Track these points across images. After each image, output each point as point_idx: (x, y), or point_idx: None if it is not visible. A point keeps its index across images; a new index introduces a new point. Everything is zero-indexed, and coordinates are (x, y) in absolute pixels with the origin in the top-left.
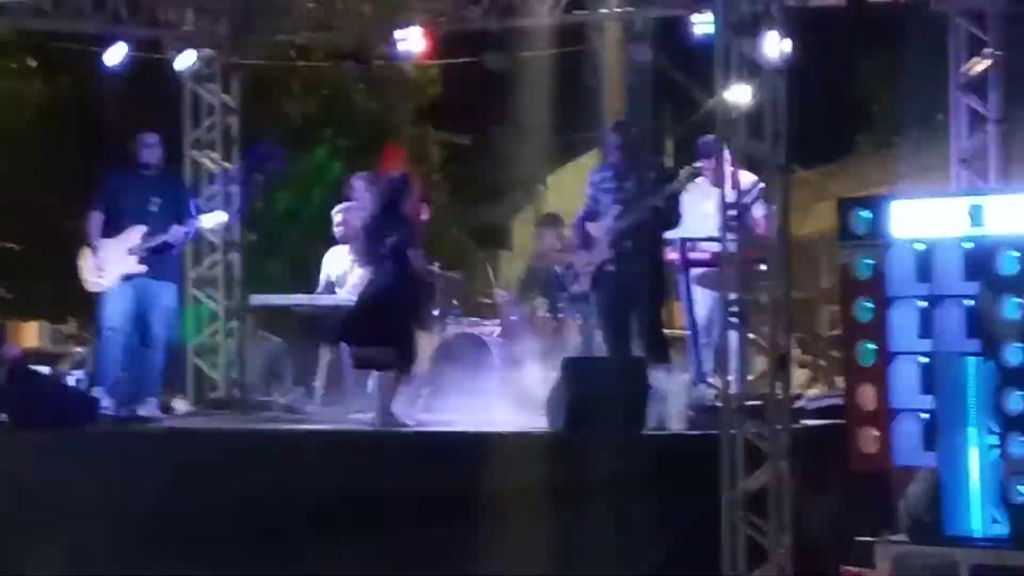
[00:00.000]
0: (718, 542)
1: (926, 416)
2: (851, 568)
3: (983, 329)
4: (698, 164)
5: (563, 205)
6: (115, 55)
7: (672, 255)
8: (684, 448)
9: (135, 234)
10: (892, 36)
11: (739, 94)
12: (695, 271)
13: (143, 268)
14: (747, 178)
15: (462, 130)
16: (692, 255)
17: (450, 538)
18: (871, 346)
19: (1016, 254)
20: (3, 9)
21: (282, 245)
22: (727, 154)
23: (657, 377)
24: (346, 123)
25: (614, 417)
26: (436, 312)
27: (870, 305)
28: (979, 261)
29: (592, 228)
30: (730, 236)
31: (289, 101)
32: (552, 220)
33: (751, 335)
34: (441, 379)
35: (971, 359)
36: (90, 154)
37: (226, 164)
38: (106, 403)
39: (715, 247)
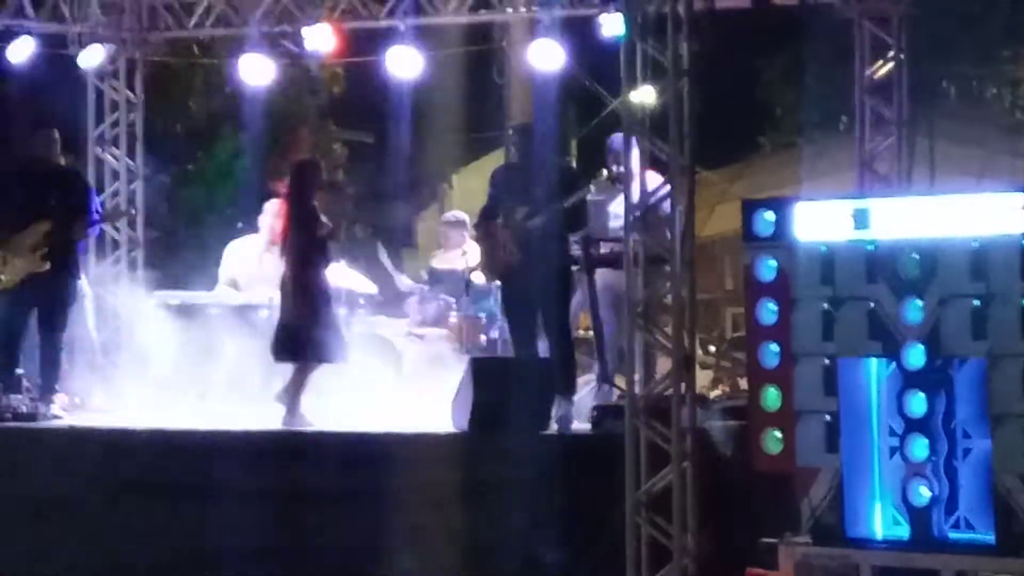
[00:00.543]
0: (622, 543)
1: (829, 418)
2: (755, 569)
3: (885, 331)
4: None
5: (468, 204)
6: (20, 51)
7: (577, 255)
8: (588, 449)
9: (38, 230)
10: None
11: (644, 95)
12: (600, 271)
13: (46, 265)
14: (653, 179)
15: (366, 128)
16: (596, 255)
17: (355, 538)
18: (775, 347)
19: (917, 256)
20: None
21: (187, 242)
22: (635, 154)
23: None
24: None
25: (519, 418)
26: (343, 311)
27: (774, 307)
28: (881, 263)
29: (495, 228)
30: (635, 236)
31: (193, 98)
32: (457, 222)
33: (655, 336)
34: (347, 378)
35: (873, 361)
36: None
37: (129, 161)
38: (3, 400)
39: (620, 247)
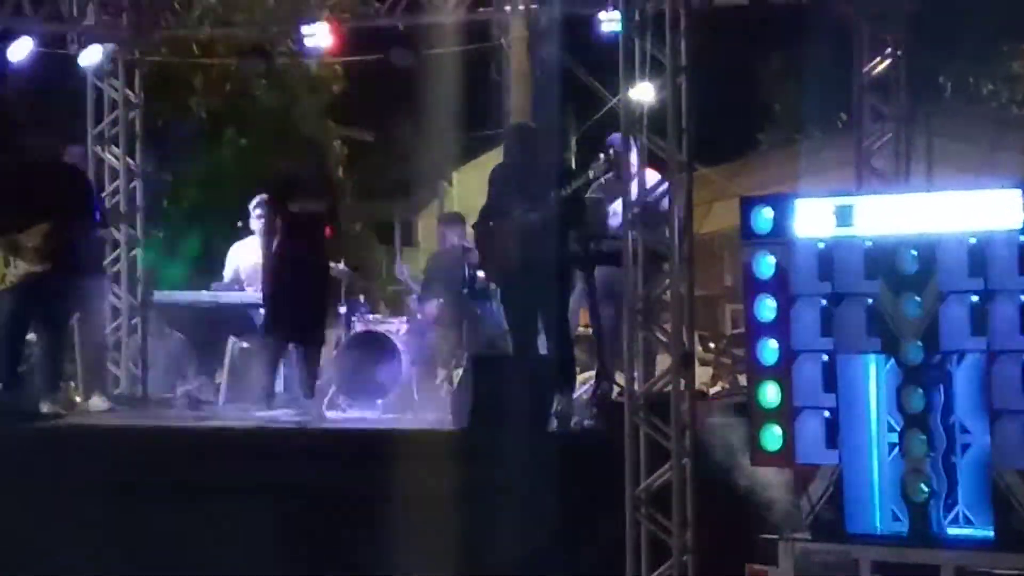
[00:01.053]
0: (622, 540)
1: (828, 414)
2: (754, 566)
3: (884, 327)
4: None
5: (468, 202)
6: (19, 50)
7: (576, 252)
8: (588, 445)
9: (38, 231)
10: (795, 36)
11: (643, 92)
12: (599, 269)
13: (47, 264)
14: (652, 176)
15: (366, 127)
16: (596, 252)
17: (354, 536)
18: (773, 344)
19: (916, 253)
20: None
21: (187, 241)
22: (634, 152)
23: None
24: (249, 119)
25: (519, 415)
26: (342, 308)
27: (772, 303)
28: (880, 260)
29: (495, 227)
30: (633, 234)
31: (192, 97)
32: (454, 218)
33: (654, 333)
34: (347, 376)
35: (872, 357)
36: None
37: (129, 160)
38: (6, 399)
39: (619, 245)
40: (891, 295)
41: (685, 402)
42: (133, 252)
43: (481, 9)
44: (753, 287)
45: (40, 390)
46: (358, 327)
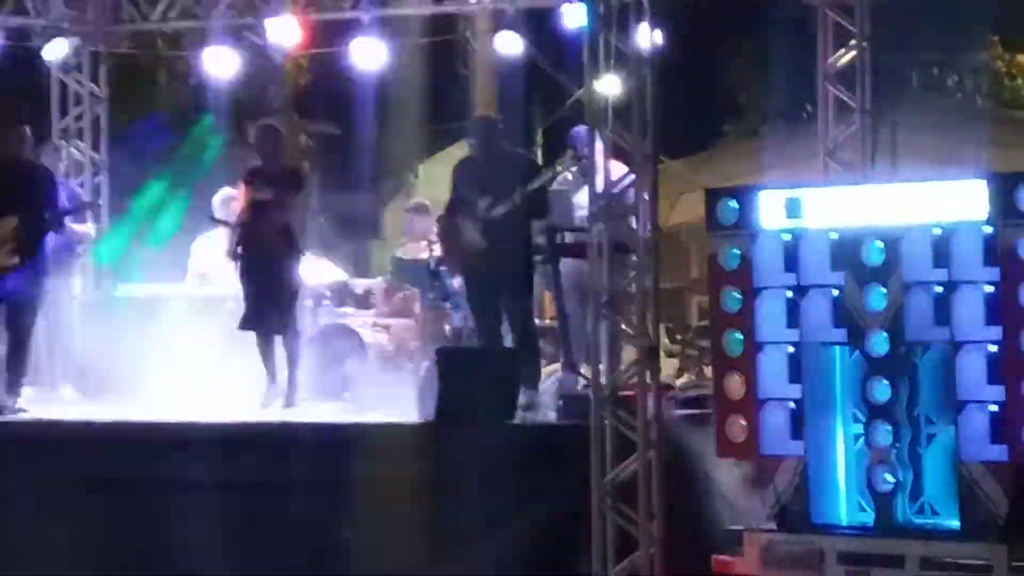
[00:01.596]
0: (588, 532)
1: (793, 405)
2: (720, 557)
3: (849, 318)
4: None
5: (434, 194)
6: None
7: (541, 245)
8: (554, 438)
9: (4, 226)
10: (760, 27)
11: (608, 85)
12: (564, 261)
13: (15, 260)
14: (618, 169)
15: (331, 120)
16: (561, 245)
17: (320, 529)
18: (739, 336)
19: (881, 244)
20: None
21: (152, 235)
22: (599, 144)
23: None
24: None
25: (485, 408)
26: (308, 302)
27: (738, 295)
28: (845, 251)
29: (460, 219)
30: (599, 226)
31: (158, 90)
32: (421, 209)
33: (620, 325)
34: (313, 369)
35: (837, 348)
36: None
37: (94, 154)
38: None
39: (585, 237)
40: (856, 286)
41: (651, 394)
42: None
43: (446, 1)
44: (718, 278)
45: (3, 386)
46: (324, 320)
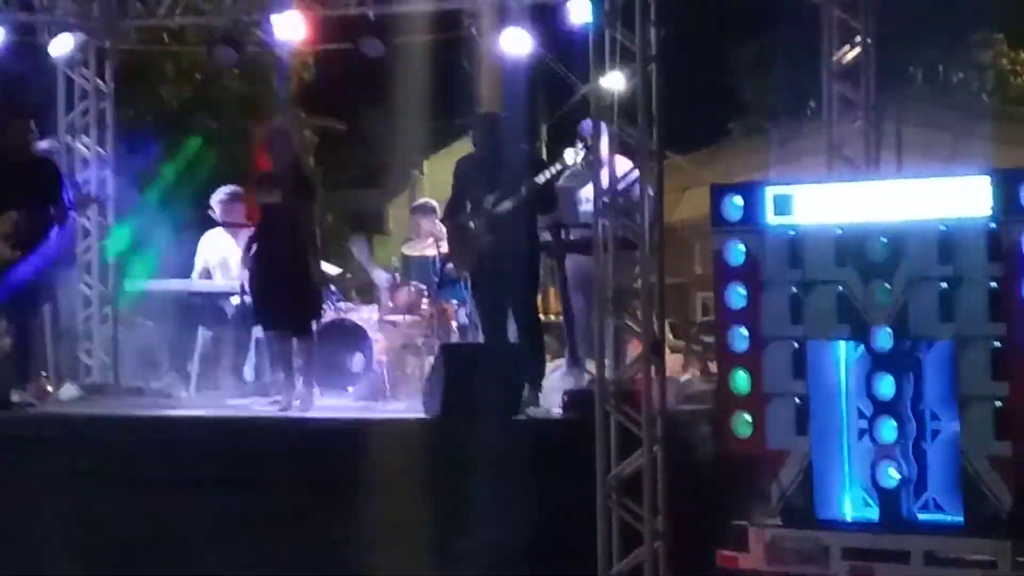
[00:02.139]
0: (593, 527)
1: (798, 400)
2: (725, 552)
3: (854, 314)
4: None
5: (440, 190)
6: None
7: (547, 241)
8: (559, 434)
9: (6, 220)
10: (765, 23)
11: (613, 81)
12: (570, 257)
13: (17, 253)
14: (623, 164)
15: (337, 115)
16: (566, 241)
17: (326, 525)
18: (744, 331)
19: (885, 240)
20: None
21: (157, 229)
22: (604, 139)
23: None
24: (220, 108)
25: (490, 403)
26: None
27: (743, 291)
28: (850, 247)
29: (463, 219)
30: (604, 222)
31: (163, 86)
32: (425, 208)
33: (625, 320)
34: (319, 365)
35: (842, 344)
36: None
37: (100, 149)
38: None
39: (590, 232)
40: (861, 282)
41: (656, 389)
42: (104, 240)
43: None
44: (723, 275)
45: (11, 379)
46: (329, 315)
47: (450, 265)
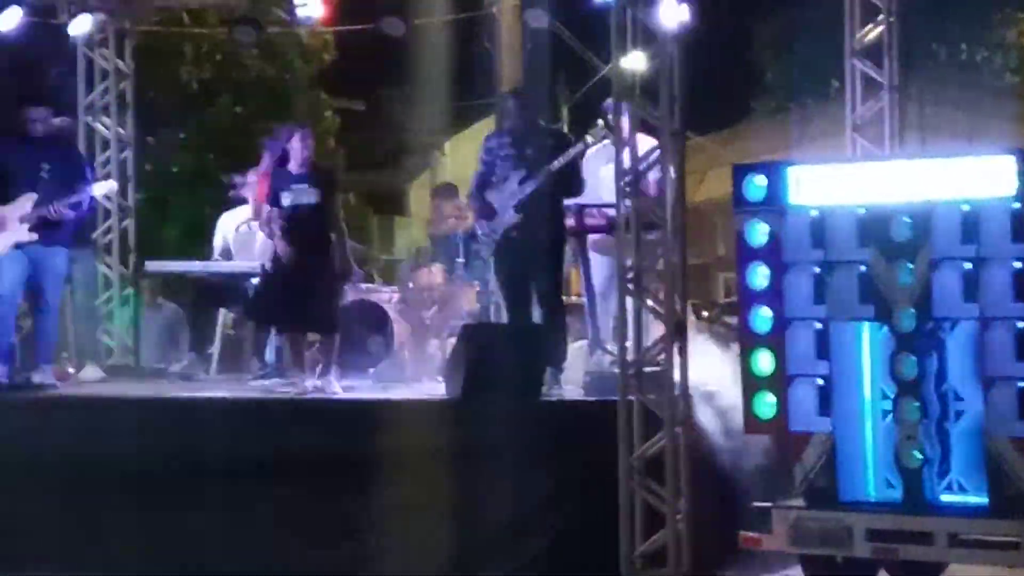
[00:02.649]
0: (616, 508)
1: (821, 381)
2: (748, 533)
3: (877, 295)
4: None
5: (460, 171)
6: (8, 19)
7: (569, 221)
8: (580, 414)
9: (26, 202)
10: (787, 2)
11: (635, 60)
12: (592, 237)
13: (34, 236)
14: (645, 144)
15: (357, 96)
16: (589, 221)
17: (347, 505)
18: (766, 312)
19: (908, 220)
20: None
21: (176, 210)
22: (626, 120)
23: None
24: (240, 88)
25: (511, 384)
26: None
27: (765, 271)
28: (873, 227)
29: (490, 194)
30: (626, 202)
31: (183, 66)
32: (447, 189)
33: (647, 301)
34: (340, 346)
35: (865, 324)
36: None
37: (120, 129)
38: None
39: (612, 212)
40: (884, 262)
41: (677, 370)
42: (124, 223)
43: None
44: (746, 255)
45: (31, 361)
46: (350, 297)
47: (475, 245)
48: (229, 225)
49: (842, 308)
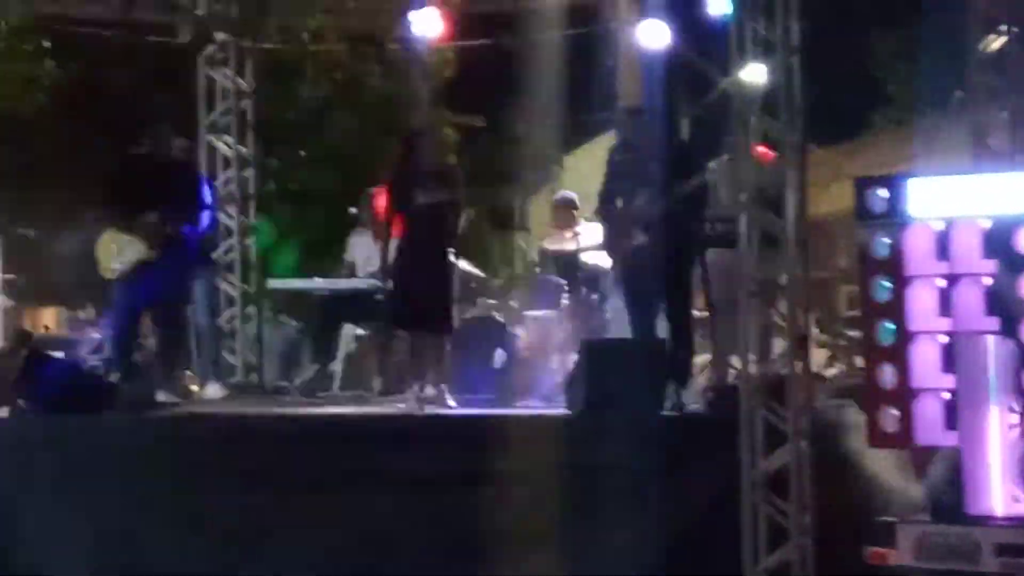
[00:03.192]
0: (738, 524)
1: (947, 395)
2: (873, 548)
3: (1002, 307)
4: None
5: (580, 186)
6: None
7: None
8: (704, 429)
9: (147, 220)
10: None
11: (754, 73)
12: (714, 250)
13: (156, 254)
14: (766, 157)
15: (477, 112)
16: (711, 234)
17: (469, 520)
18: (890, 325)
19: None
20: None
21: (297, 229)
22: (747, 134)
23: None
24: (360, 106)
25: (633, 399)
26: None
27: (888, 284)
28: (997, 239)
29: (616, 209)
30: (747, 216)
31: (303, 84)
32: (568, 202)
33: (770, 315)
34: (459, 362)
35: (991, 337)
36: (106, 138)
37: (241, 148)
38: (124, 388)
39: (733, 227)
40: (1009, 274)
41: (801, 384)
42: (246, 240)
43: None
44: (869, 268)
45: (156, 379)
46: (471, 312)
47: (590, 258)
48: (358, 243)
49: (967, 321)
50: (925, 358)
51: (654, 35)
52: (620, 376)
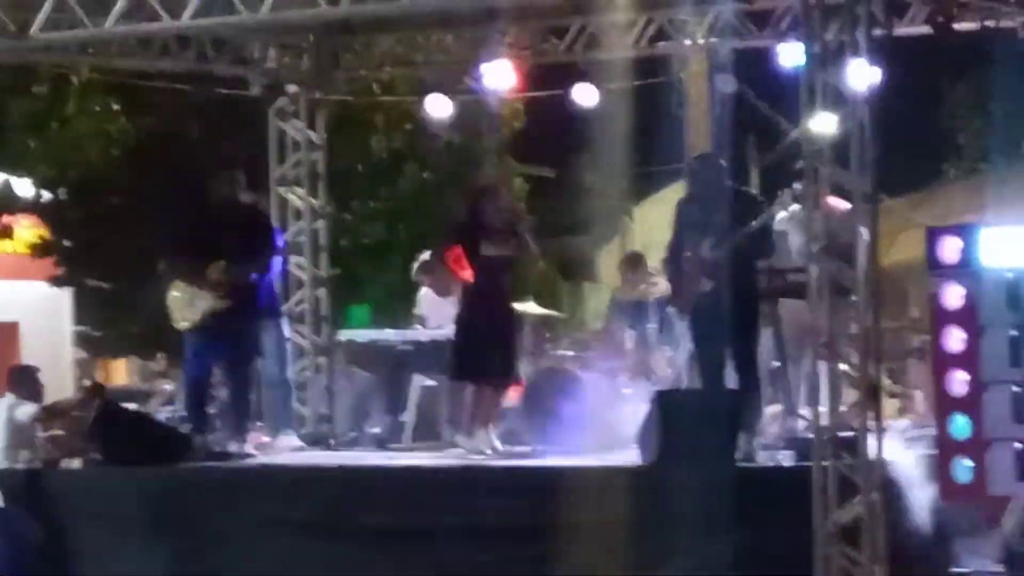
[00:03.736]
0: (811, 574)
1: (1020, 446)
2: None
3: None
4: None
5: (649, 237)
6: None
7: (761, 284)
8: (775, 481)
9: (215, 269)
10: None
11: (824, 123)
12: (784, 301)
13: (228, 303)
14: (838, 208)
15: (546, 163)
16: (780, 284)
17: (541, 572)
18: (963, 376)
19: None
20: (91, 48)
21: (368, 280)
22: (818, 184)
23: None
24: (430, 157)
25: (705, 450)
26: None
27: (961, 334)
28: None
29: (684, 260)
30: (819, 266)
31: (373, 136)
32: (635, 258)
33: (841, 366)
34: (532, 413)
35: None
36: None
37: (312, 200)
38: (197, 439)
39: (804, 276)
40: None
41: (873, 435)
42: (317, 291)
43: (659, 43)
44: (941, 318)
45: (228, 430)
46: (544, 362)
47: (670, 308)
48: (429, 297)
49: None
50: (998, 408)
51: (724, 86)
52: (693, 427)
